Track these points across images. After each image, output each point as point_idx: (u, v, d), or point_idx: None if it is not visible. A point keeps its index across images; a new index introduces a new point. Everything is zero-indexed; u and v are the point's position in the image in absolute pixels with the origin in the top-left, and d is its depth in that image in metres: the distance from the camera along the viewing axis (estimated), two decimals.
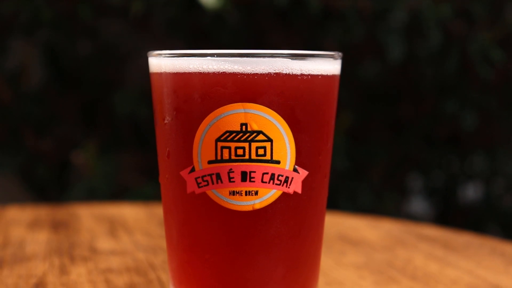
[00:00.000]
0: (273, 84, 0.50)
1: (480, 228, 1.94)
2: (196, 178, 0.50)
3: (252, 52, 0.50)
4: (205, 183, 0.50)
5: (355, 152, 1.79)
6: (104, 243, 0.81)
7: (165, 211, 0.54)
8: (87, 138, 1.70)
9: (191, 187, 0.51)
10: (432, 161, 2.00)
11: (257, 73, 0.50)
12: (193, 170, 0.51)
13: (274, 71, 0.50)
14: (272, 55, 0.50)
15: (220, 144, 0.50)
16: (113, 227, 0.90)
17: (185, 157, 0.51)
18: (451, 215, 2.11)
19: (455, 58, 1.69)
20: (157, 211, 1.01)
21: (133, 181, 1.65)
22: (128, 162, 1.70)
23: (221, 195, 0.50)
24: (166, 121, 0.52)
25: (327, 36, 1.66)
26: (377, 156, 1.87)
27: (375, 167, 1.88)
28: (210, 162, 0.50)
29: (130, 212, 1.00)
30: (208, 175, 0.50)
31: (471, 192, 2.13)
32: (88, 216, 0.97)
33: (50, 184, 1.77)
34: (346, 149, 1.68)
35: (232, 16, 1.66)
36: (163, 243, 0.81)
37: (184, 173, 0.51)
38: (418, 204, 2.22)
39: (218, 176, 0.50)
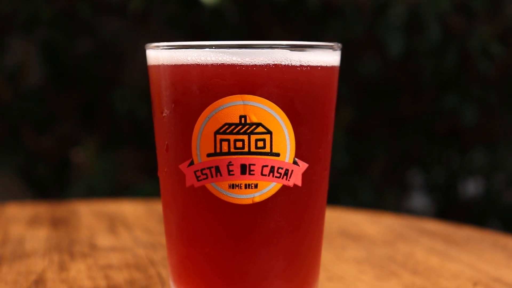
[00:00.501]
0: (272, 75, 0.49)
1: (481, 223, 1.93)
2: (195, 172, 0.50)
3: (250, 43, 0.50)
4: (204, 176, 0.50)
5: (355, 148, 1.78)
6: (104, 239, 0.81)
7: (164, 205, 0.54)
8: (87, 136, 1.70)
9: (190, 180, 0.50)
10: (433, 156, 1.99)
11: (256, 65, 0.49)
12: (192, 163, 0.50)
13: (273, 63, 0.49)
14: (271, 46, 0.50)
15: (219, 136, 0.49)
16: (113, 224, 0.90)
17: (184, 150, 0.50)
18: (452, 210, 2.11)
19: (454, 53, 1.69)
20: (156, 207, 1.01)
21: (133, 179, 1.65)
22: (128, 160, 1.70)
23: (221, 189, 0.50)
24: (164, 114, 0.52)
25: (326, 32, 1.65)
26: (377, 152, 1.86)
27: (375, 163, 1.88)
28: (209, 155, 0.50)
29: (129, 209, 1.00)
30: (207, 168, 0.50)
31: (471, 187, 2.13)
32: (88, 213, 0.97)
33: (50, 183, 1.77)
34: (346, 145, 1.68)
35: (231, 13, 1.66)
36: (163, 239, 0.81)
37: (183, 166, 0.50)
38: (418, 200, 2.22)
39: (217, 169, 0.49)
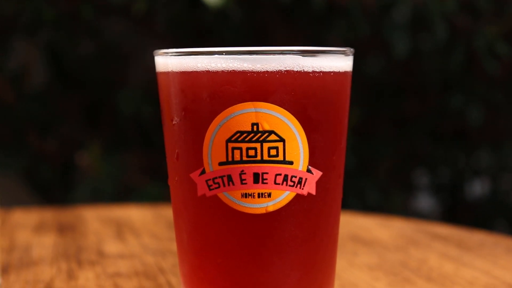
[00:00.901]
0: (284, 82, 0.48)
1: (488, 224, 1.92)
2: (207, 181, 0.49)
3: (262, 49, 0.49)
4: (216, 185, 0.49)
5: (361, 149, 1.77)
6: (112, 246, 0.80)
7: (175, 215, 0.53)
8: (91, 138, 1.69)
9: (202, 189, 0.49)
10: (438, 157, 1.98)
11: (267, 71, 0.48)
12: (203, 172, 0.49)
13: (285, 69, 0.48)
14: (282, 52, 0.49)
15: (231, 145, 0.48)
16: (120, 230, 0.89)
17: (195, 159, 0.49)
18: (458, 211, 2.09)
19: (460, 52, 1.68)
20: (164, 212, 1.00)
21: (138, 181, 1.64)
22: (133, 162, 1.69)
23: (233, 198, 0.49)
24: (174, 122, 0.51)
25: (331, 33, 1.64)
26: (383, 152, 1.85)
27: (381, 164, 1.87)
28: (221, 163, 0.49)
29: (136, 214, 0.99)
30: (219, 177, 0.49)
31: (478, 188, 2.12)
32: (94, 219, 0.96)
33: (55, 185, 1.76)
34: (352, 146, 1.67)
35: (235, 14, 1.65)
36: (171, 245, 0.80)
37: (194, 175, 0.49)
38: (424, 201, 2.21)
39: (230, 178, 0.48)
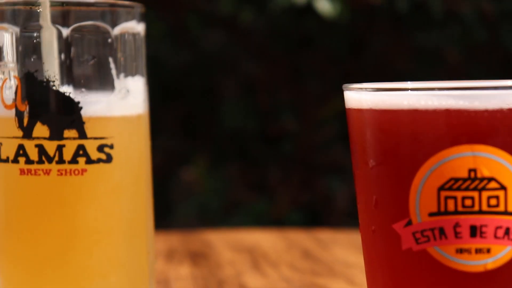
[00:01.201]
0: (507, 121, 0.42)
1: None
2: (414, 233, 0.43)
3: (480, 84, 0.43)
4: (426, 238, 0.43)
5: None
6: (252, 279, 0.76)
7: (370, 267, 0.47)
8: (193, 151, 1.66)
9: (408, 243, 0.44)
10: None
11: (487, 109, 0.42)
12: (409, 223, 0.43)
13: (508, 107, 0.42)
14: (504, 87, 0.42)
15: (443, 193, 0.43)
16: (255, 259, 0.84)
17: (399, 208, 0.44)
18: None
19: None
20: (294, 239, 0.95)
21: (243, 196, 1.60)
22: (236, 177, 1.66)
23: (446, 253, 0.43)
24: (371, 165, 0.45)
25: (446, 39, 1.56)
26: None
27: None
28: (431, 214, 0.43)
29: (266, 240, 0.94)
30: (429, 229, 0.43)
31: None
32: (224, 246, 0.92)
33: (157, 199, 1.75)
34: None
35: (341, 21, 1.59)
36: (314, 279, 0.75)
37: (397, 226, 0.44)
38: None
39: (442, 230, 0.43)
